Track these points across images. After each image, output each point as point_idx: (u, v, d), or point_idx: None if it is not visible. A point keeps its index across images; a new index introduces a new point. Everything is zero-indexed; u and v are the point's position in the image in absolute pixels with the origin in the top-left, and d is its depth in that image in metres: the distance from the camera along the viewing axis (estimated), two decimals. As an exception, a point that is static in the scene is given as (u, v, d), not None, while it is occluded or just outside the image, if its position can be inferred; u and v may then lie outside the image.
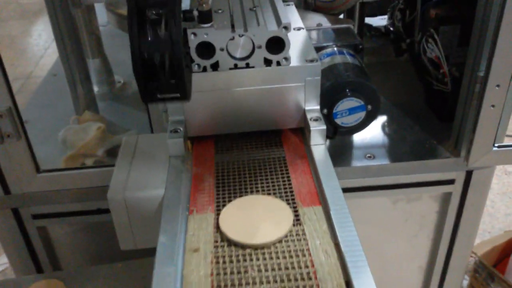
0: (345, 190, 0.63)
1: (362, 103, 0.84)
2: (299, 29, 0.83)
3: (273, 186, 0.67)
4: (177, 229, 0.58)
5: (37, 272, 1.10)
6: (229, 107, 0.74)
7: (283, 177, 0.68)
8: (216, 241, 0.58)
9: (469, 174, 1.00)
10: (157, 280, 0.52)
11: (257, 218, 0.61)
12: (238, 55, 0.69)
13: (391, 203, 1.03)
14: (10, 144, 0.93)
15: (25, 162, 0.96)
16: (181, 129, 0.72)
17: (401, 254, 1.12)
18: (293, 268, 0.54)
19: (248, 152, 0.75)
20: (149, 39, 0.53)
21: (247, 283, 0.52)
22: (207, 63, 0.69)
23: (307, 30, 0.83)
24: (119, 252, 0.78)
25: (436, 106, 1.09)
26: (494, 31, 0.83)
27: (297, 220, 0.60)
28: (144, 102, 0.58)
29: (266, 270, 0.54)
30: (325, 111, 0.84)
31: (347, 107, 0.85)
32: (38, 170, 0.98)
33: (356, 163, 0.96)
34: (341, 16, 1.23)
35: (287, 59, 0.70)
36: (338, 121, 0.86)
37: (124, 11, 1.23)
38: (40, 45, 3.14)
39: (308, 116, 0.73)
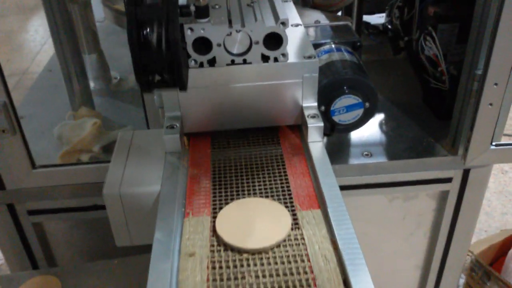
0: (342, 187, 0.63)
1: (360, 100, 0.84)
2: (297, 25, 0.83)
3: (271, 188, 0.66)
4: (172, 226, 0.58)
5: (32, 268, 1.10)
6: (226, 104, 0.73)
7: (281, 179, 0.67)
8: (213, 245, 0.57)
9: (466, 172, 1.00)
10: (153, 277, 0.51)
11: (255, 221, 0.59)
12: (235, 51, 0.68)
13: (388, 201, 1.03)
14: (5, 139, 0.92)
15: (20, 158, 0.95)
16: (178, 125, 0.72)
17: (397, 252, 1.12)
18: (292, 274, 0.53)
19: (245, 150, 0.74)
20: (147, 31, 0.53)
21: (244, 290, 0.51)
22: (204, 58, 0.68)
23: (305, 27, 0.83)
24: (115, 249, 0.78)
25: (433, 104, 1.09)
26: (492, 29, 0.82)
27: (295, 224, 0.59)
28: (142, 89, 0.57)
29: (264, 276, 0.52)
30: (322, 108, 0.84)
31: (345, 105, 0.84)
32: (33, 165, 0.97)
33: (353, 160, 0.96)
34: (339, 13, 1.23)
35: (284, 55, 0.69)
36: (336, 118, 0.86)
37: (121, 6, 1.23)
38: (37, 41, 3.13)
39: (306, 113, 0.73)
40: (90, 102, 1.25)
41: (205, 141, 0.76)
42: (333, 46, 0.91)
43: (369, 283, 0.49)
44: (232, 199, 0.64)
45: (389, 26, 1.26)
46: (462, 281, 1.50)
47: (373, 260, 1.06)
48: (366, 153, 0.97)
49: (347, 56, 0.89)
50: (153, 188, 0.69)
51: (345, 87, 0.83)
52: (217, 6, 0.71)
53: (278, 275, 0.52)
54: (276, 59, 0.69)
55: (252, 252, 0.55)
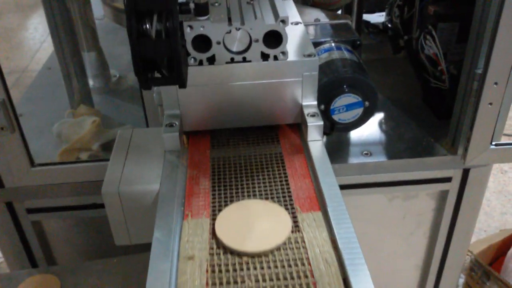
0: (342, 187, 0.62)
1: (360, 99, 0.84)
2: (296, 23, 0.82)
3: (271, 189, 0.65)
4: (172, 225, 0.58)
5: (31, 267, 1.10)
6: (226, 102, 0.73)
7: (281, 180, 0.67)
8: (212, 248, 0.56)
9: (466, 172, 0.99)
10: (152, 276, 0.51)
11: (255, 224, 0.59)
12: (234, 49, 0.68)
13: (388, 201, 1.03)
14: (4, 137, 0.92)
15: (19, 156, 0.95)
16: (177, 123, 0.71)
17: (397, 252, 1.12)
18: (292, 278, 0.52)
19: (245, 149, 0.74)
20: (147, 26, 0.53)
21: (244, 294, 0.51)
22: (203, 56, 0.68)
23: (305, 25, 0.83)
24: (114, 247, 0.78)
25: (433, 103, 1.09)
26: (493, 28, 0.82)
27: (296, 226, 0.58)
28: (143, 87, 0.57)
29: (264, 280, 0.52)
30: (322, 107, 0.84)
31: (345, 103, 0.84)
32: (32, 163, 0.97)
33: (353, 160, 0.96)
34: (339, 12, 1.23)
35: (284, 53, 0.69)
36: (336, 117, 0.85)
37: (120, 4, 1.22)
38: (36, 39, 3.13)
39: (305, 111, 0.73)
40: (89, 100, 1.25)
41: (205, 140, 0.76)
42: (333, 44, 0.91)
43: (369, 283, 0.49)
44: (231, 201, 0.63)
45: (389, 25, 1.26)
46: (461, 280, 1.50)
47: (372, 260, 1.06)
48: (365, 152, 0.97)
49: (347, 54, 0.89)
50: (152, 186, 0.69)
51: (345, 86, 0.83)
52: (216, 4, 0.70)
53: (278, 279, 0.52)
54: (275, 57, 0.69)
55: (252, 255, 0.55)
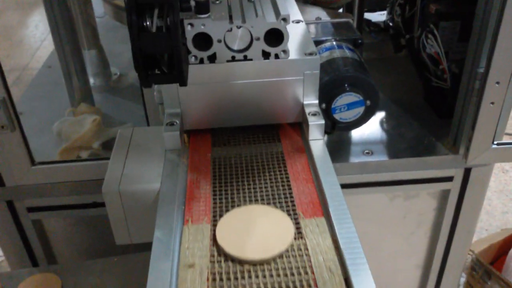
0: (343, 186, 0.62)
1: (361, 98, 0.83)
2: (298, 22, 0.82)
3: (273, 193, 0.64)
4: (172, 224, 0.57)
5: (32, 266, 1.10)
6: (226, 100, 0.73)
7: (283, 184, 0.65)
8: (213, 256, 0.54)
9: (467, 171, 0.99)
10: (153, 276, 0.51)
11: (256, 230, 0.57)
12: (235, 47, 0.68)
13: (389, 200, 1.03)
14: (4, 135, 0.92)
15: (19, 154, 0.95)
16: (177, 122, 0.71)
17: (398, 251, 1.12)
18: (295, 287, 0.50)
19: (246, 149, 0.73)
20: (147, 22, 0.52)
21: (246, 304, 0.49)
22: (204, 55, 0.68)
23: (306, 23, 0.82)
24: (114, 246, 0.77)
25: (435, 102, 1.08)
26: (495, 27, 0.82)
27: (298, 233, 0.57)
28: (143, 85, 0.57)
29: None
30: (323, 106, 0.83)
31: (346, 102, 0.84)
32: (32, 162, 0.97)
33: (354, 159, 0.96)
34: (340, 10, 1.23)
35: (285, 52, 0.69)
36: (337, 116, 0.85)
37: (121, 2, 1.22)
38: (37, 37, 3.13)
39: (307, 110, 0.72)
40: (90, 99, 1.25)
41: (205, 139, 0.76)
42: (334, 43, 0.91)
43: (371, 282, 0.49)
44: (232, 206, 0.62)
45: (391, 24, 1.26)
46: (462, 280, 1.49)
47: (373, 259, 1.05)
48: (367, 151, 0.97)
49: (348, 53, 0.89)
50: (152, 185, 0.69)
51: (346, 85, 0.83)
52: (217, 2, 0.70)
53: (280, 287, 0.51)
54: (277, 56, 0.69)
55: (254, 263, 0.53)
